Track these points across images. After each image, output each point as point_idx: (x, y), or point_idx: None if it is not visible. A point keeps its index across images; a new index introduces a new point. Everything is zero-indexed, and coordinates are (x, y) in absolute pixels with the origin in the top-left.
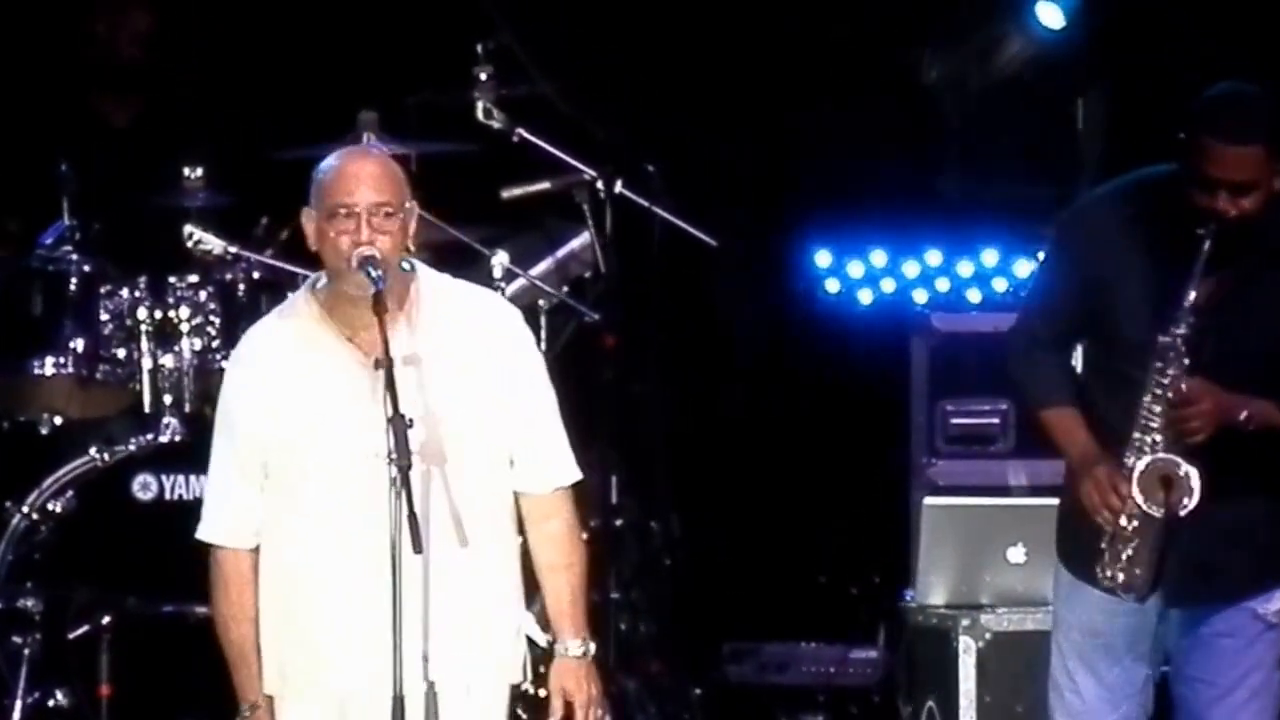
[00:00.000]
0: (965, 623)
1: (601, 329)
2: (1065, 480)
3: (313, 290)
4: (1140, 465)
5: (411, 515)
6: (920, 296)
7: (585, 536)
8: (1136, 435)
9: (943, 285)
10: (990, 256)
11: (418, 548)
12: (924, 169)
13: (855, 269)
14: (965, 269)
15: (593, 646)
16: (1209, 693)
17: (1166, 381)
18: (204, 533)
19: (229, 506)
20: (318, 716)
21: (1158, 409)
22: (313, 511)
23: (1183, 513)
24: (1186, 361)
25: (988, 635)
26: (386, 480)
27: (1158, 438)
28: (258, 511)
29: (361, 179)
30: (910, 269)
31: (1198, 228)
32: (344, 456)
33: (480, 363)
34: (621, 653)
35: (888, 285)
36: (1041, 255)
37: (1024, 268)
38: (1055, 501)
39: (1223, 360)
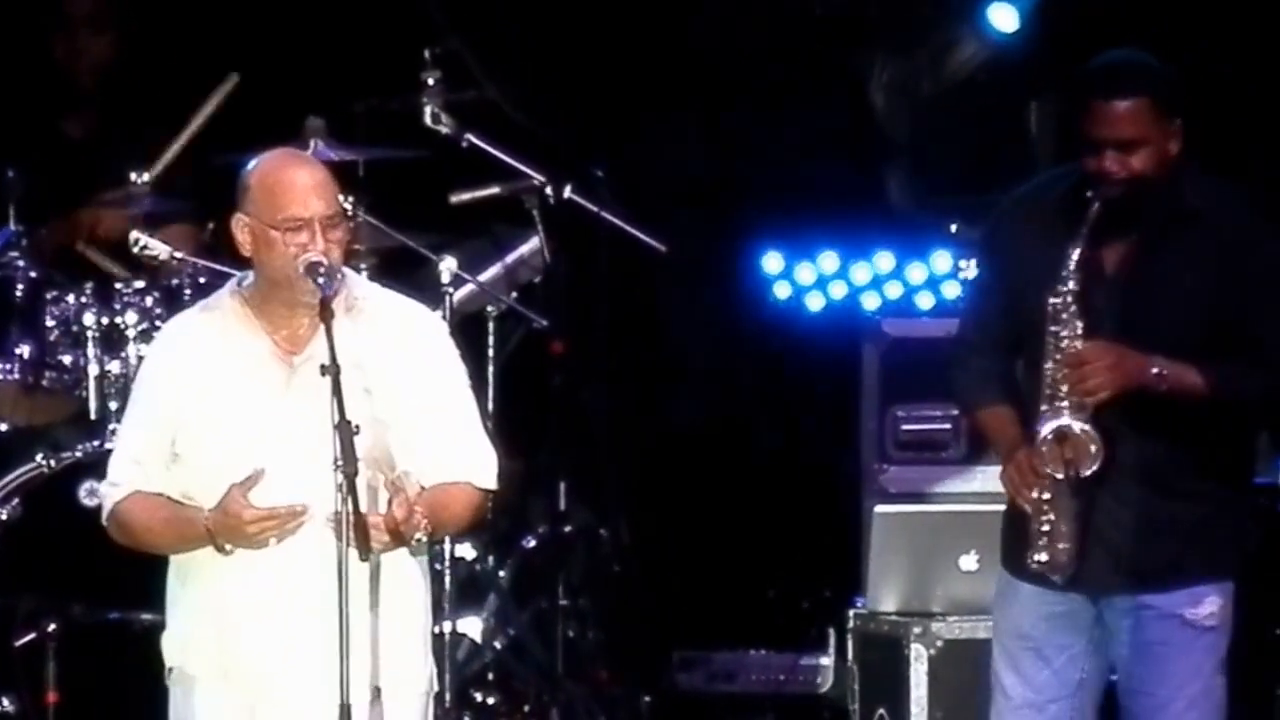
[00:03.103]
0: (917, 630)
1: (550, 335)
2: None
3: (238, 288)
4: (1043, 432)
5: (359, 523)
6: (871, 301)
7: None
8: (1043, 406)
9: (894, 290)
10: (942, 261)
11: (365, 554)
12: (874, 172)
13: (805, 273)
14: (917, 274)
15: (423, 538)
16: (1148, 703)
17: (1063, 344)
18: (111, 495)
19: (136, 473)
20: (222, 696)
21: (1060, 375)
22: (219, 497)
23: (1085, 472)
24: (1080, 323)
25: (939, 643)
26: (294, 473)
27: (1063, 404)
28: (157, 485)
29: (311, 190)
30: (861, 273)
31: (1088, 191)
32: (252, 447)
33: (403, 370)
34: (570, 660)
35: (838, 290)
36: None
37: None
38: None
39: (1136, 327)
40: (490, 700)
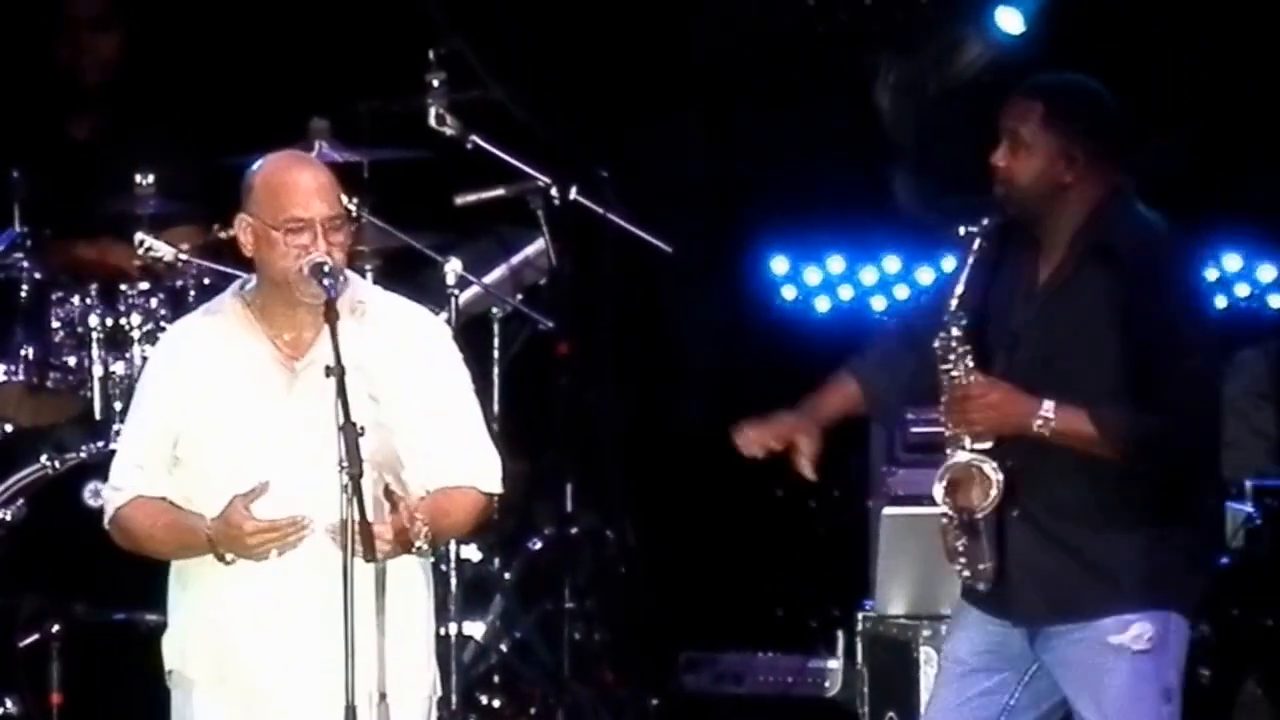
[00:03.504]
0: (926, 633)
1: (555, 336)
2: None
3: (241, 291)
4: (941, 469)
5: (364, 524)
6: (879, 304)
7: (489, 538)
8: (946, 448)
9: (901, 292)
10: (949, 263)
11: (370, 556)
12: (880, 175)
13: (812, 276)
14: (924, 275)
15: (424, 545)
16: None
17: (953, 381)
18: (113, 500)
19: (139, 478)
20: (221, 701)
21: (951, 412)
22: (221, 502)
23: (978, 515)
24: (970, 360)
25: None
26: (296, 477)
27: (962, 437)
28: (160, 490)
29: (314, 191)
30: (868, 276)
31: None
32: (253, 452)
33: (406, 374)
34: (576, 662)
35: (845, 292)
36: None
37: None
38: None
39: (1040, 362)
40: (496, 703)
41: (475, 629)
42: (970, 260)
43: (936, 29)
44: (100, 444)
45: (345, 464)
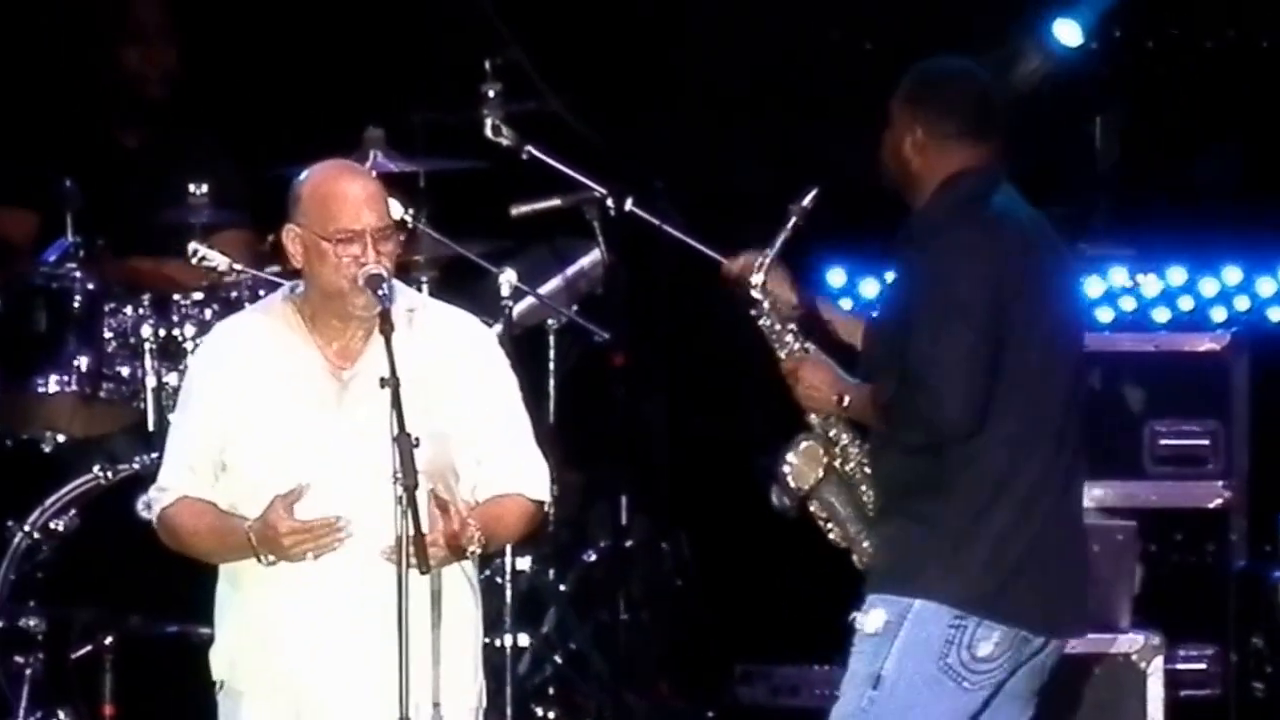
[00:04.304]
0: None
1: (610, 348)
2: None
3: (291, 296)
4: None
5: (419, 536)
6: None
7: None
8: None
9: None
10: None
11: (425, 568)
12: None
13: (869, 288)
14: None
15: (477, 549)
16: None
17: (784, 357)
18: (160, 501)
19: (185, 479)
20: (270, 713)
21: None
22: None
23: (801, 493)
24: (791, 339)
25: None
26: (345, 487)
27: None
28: (208, 493)
29: (364, 202)
30: None
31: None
32: (301, 460)
33: (456, 382)
34: (631, 674)
35: None
36: None
37: None
38: None
39: (871, 344)
40: (550, 714)
41: (530, 641)
42: (783, 237)
43: (995, 41)
44: (153, 455)
45: (400, 476)
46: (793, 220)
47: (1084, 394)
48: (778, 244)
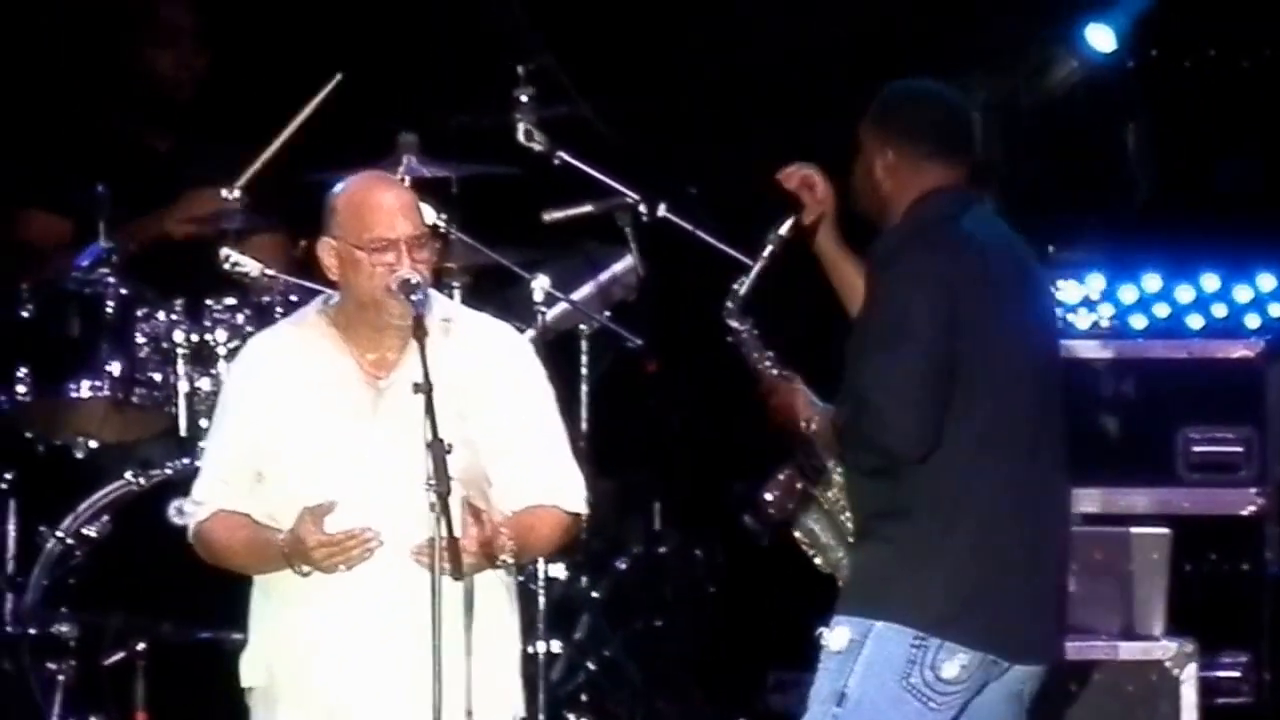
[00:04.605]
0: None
1: (643, 354)
2: None
3: (325, 307)
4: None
5: (452, 541)
6: None
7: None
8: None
9: None
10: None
11: (458, 574)
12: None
13: None
14: None
15: (509, 560)
16: None
17: (760, 375)
18: (195, 514)
19: (220, 492)
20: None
21: None
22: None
23: (778, 518)
24: (756, 356)
25: None
26: (381, 497)
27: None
28: (242, 505)
29: (398, 210)
30: None
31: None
32: (338, 470)
33: (493, 391)
34: (664, 681)
35: None
36: None
37: (1074, 292)
38: (1109, 530)
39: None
40: None
41: (563, 647)
42: (759, 265)
43: (1028, 47)
44: (185, 461)
45: (433, 482)
46: (769, 249)
47: (1061, 409)
48: (754, 272)
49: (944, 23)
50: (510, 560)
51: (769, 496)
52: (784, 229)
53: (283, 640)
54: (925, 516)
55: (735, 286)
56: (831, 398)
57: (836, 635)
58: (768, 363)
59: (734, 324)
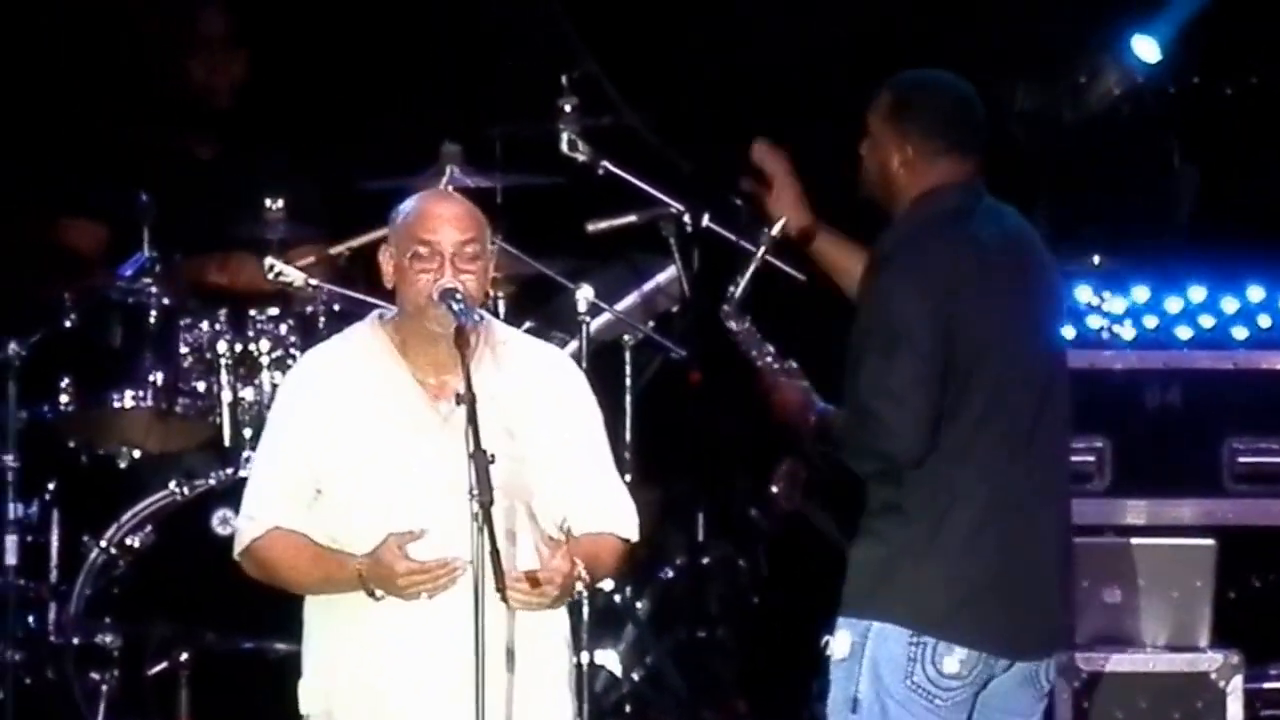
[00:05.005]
0: (1060, 663)
1: (687, 364)
2: None
3: (380, 322)
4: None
5: (495, 554)
6: None
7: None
8: None
9: None
10: (1084, 293)
11: (500, 586)
12: (1015, 204)
13: None
14: None
15: (584, 592)
16: None
17: (762, 371)
18: (248, 530)
19: (277, 509)
20: None
21: None
22: (369, 541)
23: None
24: (756, 353)
25: (1083, 675)
26: (445, 514)
27: None
28: (299, 524)
29: (445, 218)
30: None
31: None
32: (402, 490)
33: (541, 411)
34: (708, 692)
35: None
36: None
37: (1119, 304)
38: (1154, 541)
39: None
40: None
41: (607, 658)
42: (752, 266)
43: (1073, 58)
44: (229, 471)
45: (475, 492)
46: (761, 249)
47: (1062, 407)
48: (748, 274)
49: (990, 35)
50: (584, 593)
51: (776, 489)
52: (775, 229)
53: (342, 666)
54: (922, 516)
55: (730, 289)
56: (831, 397)
57: (839, 642)
58: (769, 358)
59: (732, 325)
